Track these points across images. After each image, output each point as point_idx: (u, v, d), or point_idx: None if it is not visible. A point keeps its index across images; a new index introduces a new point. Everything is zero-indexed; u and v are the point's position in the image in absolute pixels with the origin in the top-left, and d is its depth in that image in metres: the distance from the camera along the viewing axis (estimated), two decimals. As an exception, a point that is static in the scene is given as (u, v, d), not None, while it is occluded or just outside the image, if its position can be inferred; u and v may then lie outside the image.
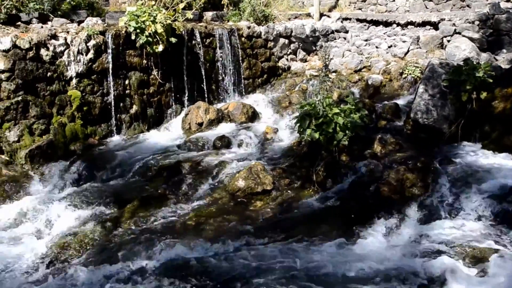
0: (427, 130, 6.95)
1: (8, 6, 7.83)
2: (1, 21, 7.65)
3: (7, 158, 7.17)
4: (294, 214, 5.85)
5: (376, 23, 11.12)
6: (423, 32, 10.19)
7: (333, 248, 5.04)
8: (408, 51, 10.06)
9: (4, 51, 7.12)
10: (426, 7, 11.18)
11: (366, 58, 10.36)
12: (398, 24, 10.67)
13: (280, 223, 5.65)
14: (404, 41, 10.26)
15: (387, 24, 10.90)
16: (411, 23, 10.43)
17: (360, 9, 12.34)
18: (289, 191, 6.37)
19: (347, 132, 6.56)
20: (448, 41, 9.62)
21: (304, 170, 6.62)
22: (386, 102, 8.50)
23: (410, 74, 9.41)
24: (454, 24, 9.62)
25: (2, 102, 7.19)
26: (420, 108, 6.99)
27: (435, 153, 6.50)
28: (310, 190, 6.34)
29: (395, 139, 6.85)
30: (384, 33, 10.78)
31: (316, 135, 6.54)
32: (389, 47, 10.39)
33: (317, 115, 6.62)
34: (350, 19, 11.55)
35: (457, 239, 4.96)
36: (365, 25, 11.29)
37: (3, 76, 7.14)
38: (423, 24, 10.24)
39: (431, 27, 10.13)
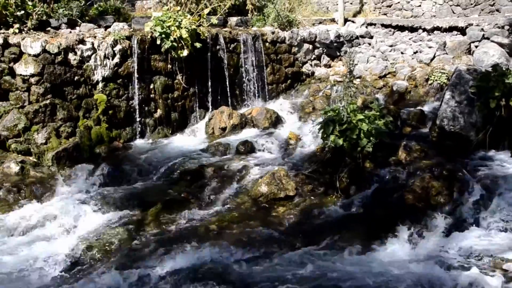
0: (453, 138, 6.81)
1: (39, 13, 8.03)
2: (33, 26, 7.85)
3: (35, 160, 7.32)
4: (317, 221, 5.81)
5: (401, 28, 11.00)
6: (450, 37, 10.03)
7: (356, 256, 4.99)
8: (434, 57, 9.90)
9: (34, 55, 7.30)
10: (453, 12, 11.01)
11: (391, 64, 10.24)
12: (424, 30, 10.54)
13: (303, 229, 5.62)
14: (430, 47, 10.12)
15: (412, 29, 10.77)
16: (438, 28, 10.28)
17: (385, 14, 12.24)
18: (312, 197, 6.33)
19: (371, 138, 6.49)
20: (476, 46, 9.44)
21: (328, 176, 6.57)
22: (411, 108, 8.36)
23: (436, 80, 9.26)
24: (482, 29, 9.44)
25: (31, 105, 7.35)
26: (446, 115, 6.87)
27: (462, 161, 6.37)
28: (333, 197, 6.29)
29: (420, 146, 6.73)
30: (409, 39, 10.65)
31: (340, 141, 6.50)
32: (415, 52, 10.26)
33: (341, 121, 6.58)
34: (375, 24, 11.46)
35: (485, 250, 4.85)
36: (390, 31, 11.18)
37: (32, 80, 7.31)
38: (450, 29, 10.08)
39: (458, 33, 9.97)
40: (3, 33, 7.61)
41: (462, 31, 9.87)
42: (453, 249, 4.94)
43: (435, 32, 10.33)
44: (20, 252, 5.30)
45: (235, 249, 5.19)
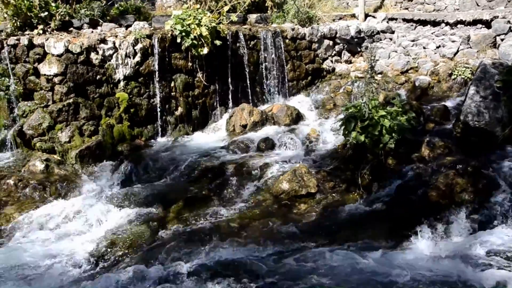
0: (478, 133, 6.67)
1: (62, 13, 8.14)
2: (56, 27, 7.97)
3: (59, 158, 7.45)
4: (339, 218, 5.77)
5: (423, 22, 10.81)
6: (474, 31, 9.82)
7: (379, 254, 4.92)
8: (457, 51, 9.72)
9: (57, 55, 7.41)
10: (478, 5, 10.77)
11: (413, 59, 10.10)
12: (447, 24, 10.33)
13: (324, 226, 5.59)
14: (453, 41, 9.93)
15: (435, 23, 10.57)
16: (461, 22, 10.07)
17: (406, 8, 12.04)
18: (333, 194, 6.29)
19: (393, 135, 6.41)
20: (502, 39, 9.22)
21: (349, 173, 6.52)
22: (434, 104, 8.24)
23: (459, 75, 9.09)
24: (509, 22, 9.21)
25: (55, 104, 7.47)
26: (470, 110, 6.73)
27: (487, 157, 6.23)
28: (355, 194, 6.24)
29: (444, 143, 6.62)
30: (432, 33, 10.47)
31: (362, 138, 6.44)
32: (437, 47, 10.09)
33: (363, 118, 6.51)
34: (396, 19, 11.29)
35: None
36: (412, 25, 11.00)
37: (56, 79, 7.43)
38: (474, 22, 9.86)
39: (483, 26, 9.75)
40: (28, 34, 7.75)
41: (487, 24, 9.66)
42: (479, 248, 4.84)
43: (459, 25, 10.12)
44: (45, 248, 5.40)
45: (256, 246, 5.20)
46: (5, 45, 7.48)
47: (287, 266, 4.81)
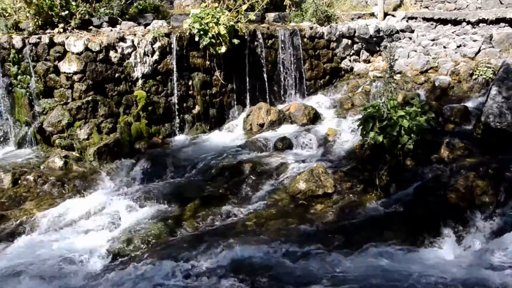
0: (499, 135, 6.54)
1: (82, 12, 8.23)
2: (76, 26, 8.06)
3: (78, 155, 7.53)
4: (356, 219, 5.72)
5: (444, 21, 10.64)
6: (497, 30, 9.63)
7: (397, 256, 4.87)
8: (479, 50, 9.55)
9: (77, 53, 7.49)
10: (501, 3, 10.55)
11: (433, 58, 9.95)
12: (469, 22, 10.15)
13: (341, 227, 5.54)
14: (474, 40, 9.76)
15: (456, 22, 10.40)
16: (483, 20, 9.89)
17: (427, 7, 11.87)
18: (350, 195, 6.24)
19: (412, 135, 6.34)
20: (526, 39, 9.04)
21: (367, 174, 6.46)
22: (454, 104, 8.10)
23: (481, 75, 8.93)
24: (533, 21, 9.02)
25: (74, 102, 7.56)
26: (492, 111, 6.60)
27: (509, 159, 6.10)
28: (373, 195, 6.18)
29: (464, 144, 6.51)
30: (452, 32, 10.30)
31: (380, 138, 6.37)
32: (458, 46, 9.92)
33: (381, 118, 6.44)
34: (416, 18, 11.14)
35: (534, 253, 4.64)
36: (432, 24, 10.85)
37: (75, 77, 7.51)
38: (497, 21, 9.67)
39: (506, 24, 9.55)
40: (49, 32, 7.85)
41: (511, 22, 9.46)
42: (499, 251, 4.75)
43: (481, 24, 9.94)
44: (63, 244, 5.45)
45: (272, 246, 5.16)
46: (27, 43, 7.60)
47: (303, 268, 4.78)
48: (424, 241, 5.11)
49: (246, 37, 8.96)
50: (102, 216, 6.01)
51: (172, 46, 8.24)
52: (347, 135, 7.86)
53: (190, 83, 8.58)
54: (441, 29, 10.60)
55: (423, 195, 5.85)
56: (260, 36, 9.20)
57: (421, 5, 11.94)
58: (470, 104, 8.20)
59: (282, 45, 9.57)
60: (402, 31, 11.00)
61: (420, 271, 4.56)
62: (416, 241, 5.11)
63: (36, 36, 7.65)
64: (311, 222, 5.69)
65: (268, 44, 9.42)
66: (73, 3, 8.19)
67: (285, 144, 7.60)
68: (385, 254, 4.92)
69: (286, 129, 8.35)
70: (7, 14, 8.22)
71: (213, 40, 8.32)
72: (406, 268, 4.65)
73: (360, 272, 4.63)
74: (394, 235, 5.26)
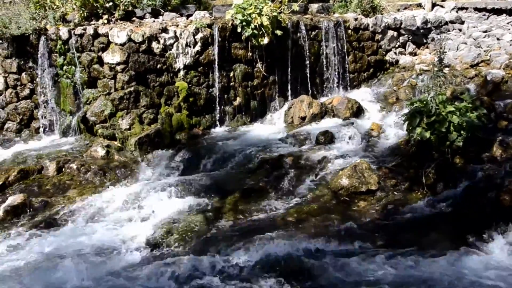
0: (558, 133, 6.17)
1: (125, 3, 8.28)
2: (120, 17, 8.12)
3: (119, 145, 7.61)
4: (401, 218, 5.52)
5: (497, 11, 10.12)
6: (556, 21, 9.08)
7: (445, 259, 4.66)
8: (536, 43, 9.04)
9: (120, 44, 7.54)
10: (561, -7, 9.94)
11: (484, 51, 9.51)
12: (526, 13, 9.62)
13: (385, 226, 5.36)
14: (531, 32, 9.25)
15: (511, 12, 9.86)
16: (542, 11, 9.34)
17: (479, -3, 11.33)
18: (395, 192, 6.03)
19: (462, 132, 6.07)
20: None
21: (412, 171, 6.23)
22: (508, 100, 7.70)
23: (538, 69, 8.45)
24: None
25: (117, 92, 7.62)
26: (550, 108, 6.22)
27: None
28: (419, 193, 5.95)
29: (519, 142, 6.18)
30: (507, 23, 9.78)
31: (427, 134, 6.13)
32: (513, 38, 9.43)
33: (429, 113, 6.20)
34: (466, 8, 10.65)
35: None
36: (484, 15, 10.34)
37: (118, 68, 7.57)
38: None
39: None
40: (94, 24, 7.95)
41: None
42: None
43: (539, 15, 9.40)
44: (103, 233, 5.51)
45: (313, 243, 5.06)
46: (72, 34, 7.72)
47: (343, 267, 4.64)
48: (473, 244, 4.89)
49: (289, 28, 8.79)
50: (141, 206, 6.05)
51: (214, 37, 8.18)
52: (391, 130, 7.64)
53: (231, 74, 8.50)
54: (494, 20, 10.09)
55: (473, 195, 5.59)
56: (303, 27, 9.01)
57: (472, -5, 11.39)
58: (525, 100, 7.77)
59: (326, 37, 9.35)
60: (451, 22, 10.55)
61: (467, 276, 4.36)
62: (465, 244, 4.89)
63: (82, 28, 7.76)
64: (353, 219, 5.53)
65: (311, 36, 9.22)
66: (118, -6, 8.26)
67: (327, 138, 7.42)
68: (430, 257, 4.74)
69: (328, 123, 8.19)
70: (55, 6, 8.38)
71: (255, 31, 8.20)
72: (452, 272, 4.45)
73: (402, 274, 4.47)
74: (441, 237, 5.07)
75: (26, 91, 8.38)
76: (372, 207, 5.79)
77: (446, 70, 9.41)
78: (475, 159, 6.11)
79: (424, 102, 6.33)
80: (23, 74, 8.29)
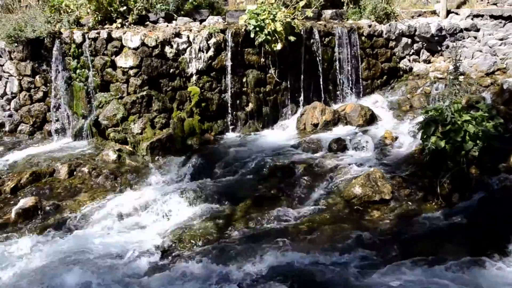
0: None
1: (139, 8, 8.30)
2: (133, 21, 8.14)
3: (131, 149, 7.60)
4: (415, 229, 5.42)
5: (514, 20, 9.99)
6: None
7: (460, 272, 4.58)
8: (554, 52, 8.90)
9: (134, 48, 7.54)
10: None
11: (500, 59, 9.39)
12: (543, 21, 9.47)
13: (399, 237, 5.26)
14: (549, 41, 9.10)
15: (528, 20, 9.74)
16: (560, 19, 9.20)
17: (495, 4, 11.17)
18: (409, 202, 5.93)
19: (478, 142, 5.96)
20: None
21: (427, 180, 6.13)
22: (525, 109, 7.59)
23: (556, 78, 8.32)
24: None
25: (129, 96, 7.62)
26: None
27: None
28: (433, 204, 5.85)
29: (537, 153, 6.06)
30: (524, 31, 9.65)
31: (442, 143, 6.03)
32: (530, 47, 9.29)
33: (444, 122, 6.10)
34: (482, 16, 10.52)
35: None
36: (500, 22, 10.20)
37: (131, 72, 7.57)
38: None
39: None
40: (108, 28, 7.97)
41: None
42: None
43: (557, 23, 9.26)
44: (114, 238, 5.50)
45: (325, 253, 4.99)
46: (86, 38, 7.75)
47: (357, 277, 4.58)
48: (489, 257, 4.76)
49: (302, 34, 8.75)
50: (152, 212, 6.01)
51: (227, 42, 8.15)
52: (405, 138, 7.53)
53: (244, 80, 8.47)
54: (511, 28, 9.95)
55: (489, 206, 5.50)
56: (316, 33, 8.97)
57: (488, 2, 11.26)
58: (543, 110, 7.65)
59: (339, 43, 9.30)
60: (467, 29, 10.42)
61: (485, 289, 4.24)
62: (481, 257, 4.77)
63: (95, 31, 7.78)
64: (366, 229, 5.44)
65: (325, 42, 9.17)
66: (131, -1, 8.29)
67: (340, 145, 7.35)
68: (445, 269, 4.65)
69: (341, 130, 8.12)
70: (69, 10, 8.43)
71: (268, 37, 8.17)
72: (470, 285, 4.34)
73: (418, 286, 4.36)
74: (457, 249, 4.96)
75: (40, 94, 8.43)
76: (385, 216, 5.70)
77: (461, 78, 9.30)
78: (491, 170, 6.02)
79: (439, 111, 6.23)
80: (37, 77, 8.34)
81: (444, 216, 5.59)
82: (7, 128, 8.63)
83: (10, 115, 8.67)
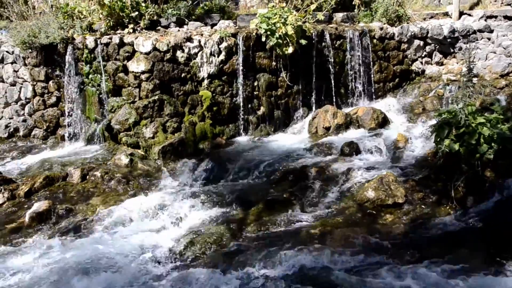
0: None
1: (150, 13, 8.36)
2: (145, 26, 8.19)
3: (143, 153, 7.63)
4: (429, 233, 5.36)
5: (529, 20, 9.87)
6: None
7: (474, 276, 4.49)
8: None
9: (145, 53, 7.59)
10: None
11: (515, 61, 9.26)
12: (559, 21, 9.34)
13: (412, 241, 5.20)
14: None
15: (543, 21, 9.61)
16: None
17: (509, 4, 11.05)
18: (423, 206, 5.86)
19: (493, 144, 5.86)
20: None
21: (441, 184, 6.06)
22: (540, 111, 7.45)
23: None
24: None
25: (141, 100, 7.66)
26: None
27: None
28: (447, 207, 5.78)
29: (553, 156, 5.95)
30: (539, 32, 9.52)
31: (456, 146, 5.95)
32: (545, 48, 9.17)
33: (458, 124, 6.02)
34: (496, 17, 10.40)
35: None
36: (514, 23, 10.09)
37: (143, 76, 7.61)
38: None
39: None
40: (119, 33, 8.03)
41: None
42: None
43: None
44: (125, 242, 5.50)
45: (337, 257, 4.93)
46: (99, 43, 7.81)
47: (370, 281, 4.52)
48: (506, 262, 4.67)
49: (313, 37, 8.73)
50: (164, 216, 6.01)
51: (238, 46, 8.17)
52: (418, 141, 7.47)
53: (255, 84, 8.47)
54: (525, 29, 9.83)
55: (505, 210, 5.43)
56: (328, 36, 8.94)
57: (502, 3, 11.14)
58: (558, 112, 7.51)
59: (351, 46, 9.26)
60: (480, 31, 10.31)
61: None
62: (496, 262, 4.70)
63: (108, 36, 7.84)
64: (379, 233, 5.40)
65: (336, 45, 9.14)
66: (143, 4, 8.34)
67: (352, 149, 7.30)
68: (459, 273, 4.57)
69: (353, 134, 8.09)
70: (82, 16, 8.51)
71: (280, 41, 8.17)
72: (484, 290, 4.27)
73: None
74: (472, 254, 4.89)
75: (53, 99, 8.52)
76: (399, 220, 5.64)
77: (474, 80, 9.20)
78: (507, 173, 5.91)
79: (453, 113, 6.15)
80: (50, 82, 8.44)
81: (458, 220, 5.52)
82: (21, 133, 8.75)
83: (24, 120, 8.79)
